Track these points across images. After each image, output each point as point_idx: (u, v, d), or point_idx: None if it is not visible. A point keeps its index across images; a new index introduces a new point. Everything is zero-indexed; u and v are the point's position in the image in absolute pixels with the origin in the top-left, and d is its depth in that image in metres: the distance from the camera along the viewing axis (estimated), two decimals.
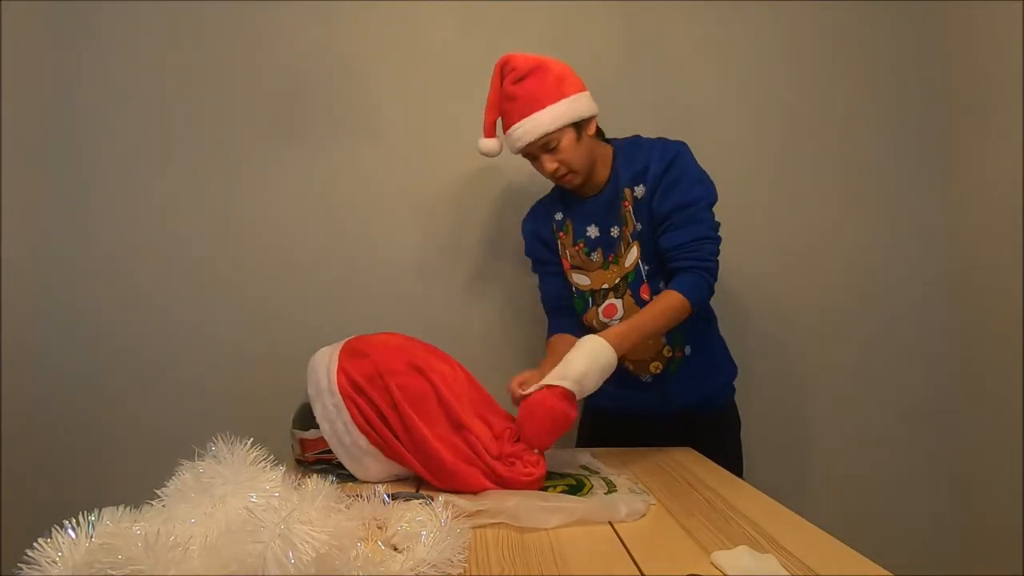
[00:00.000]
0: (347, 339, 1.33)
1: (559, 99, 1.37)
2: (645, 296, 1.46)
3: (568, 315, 1.58)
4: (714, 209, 1.45)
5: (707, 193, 1.44)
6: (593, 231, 1.50)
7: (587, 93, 1.43)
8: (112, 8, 1.83)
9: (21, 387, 1.82)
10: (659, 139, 1.49)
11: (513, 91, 1.39)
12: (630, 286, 1.47)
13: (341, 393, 1.22)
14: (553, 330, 1.61)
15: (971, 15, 1.84)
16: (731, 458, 1.52)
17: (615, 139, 1.53)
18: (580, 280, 1.53)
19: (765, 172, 1.94)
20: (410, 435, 1.20)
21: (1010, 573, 1.72)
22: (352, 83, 1.88)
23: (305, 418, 1.27)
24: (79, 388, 1.83)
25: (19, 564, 0.66)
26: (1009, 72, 1.71)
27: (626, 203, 1.45)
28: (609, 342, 1.27)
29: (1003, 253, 1.75)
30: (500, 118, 1.44)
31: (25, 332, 1.82)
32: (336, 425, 1.22)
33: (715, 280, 1.42)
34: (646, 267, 1.45)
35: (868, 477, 1.96)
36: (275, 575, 0.66)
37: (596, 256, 1.50)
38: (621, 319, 1.47)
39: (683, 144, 1.47)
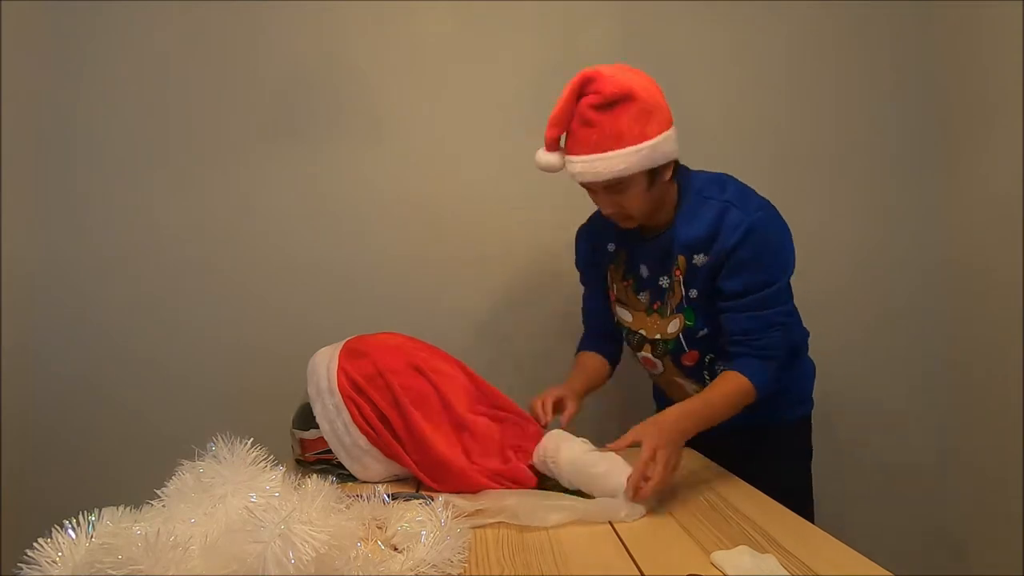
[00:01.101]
0: (347, 339, 1.33)
1: (641, 141, 1.18)
2: (687, 363, 1.37)
3: (603, 337, 1.52)
4: None
5: (782, 271, 1.28)
6: (645, 271, 1.37)
7: (672, 131, 1.24)
8: (112, 8, 1.83)
9: (21, 387, 1.82)
10: (729, 202, 1.26)
11: (591, 117, 1.18)
12: (670, 352, 1.38)
13: (341, 393, 1.23)
14: (584, 346, 1.54)
15: (971, 15, 1.84)
16: (784, 485, 1.24)
17: (684, 174, 1.34)
18: (623, 315, 1.44)
19: (765, 172, 1.93)
20: (411, 434, 1.20)
21: (1010, 573, 1.72)
22: (352, 83, 1.88)
23: (305, 418, 1.27)
24: (79, 388, 1.83)
25: (19, 564, 0.66)
26: (1009, 72, 1.71)
27: (678, 271, 1.31)
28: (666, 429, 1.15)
29: (1003, 252, 1.75)
30: (565, 134, 1.25)
31: (25, 332, 1.82)
32: (336, 425, 1.23)
33: (781, 371, 1.28)
34: (701, 331, 1.33)
35: (867, 475, 1.96)
36: (275, 575, 0.66)
37: (644, 297, 1.39)
38: (660, 375, 1.44)
39: (760, 209, 1.26)
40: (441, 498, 0.97)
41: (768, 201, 1.31)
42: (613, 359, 1.54)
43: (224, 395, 1.84)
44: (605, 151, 1.18)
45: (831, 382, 1.96)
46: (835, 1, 1.93)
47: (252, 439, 0.88)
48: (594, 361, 1.51)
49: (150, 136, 1.85)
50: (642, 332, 1.40)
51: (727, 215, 1.24)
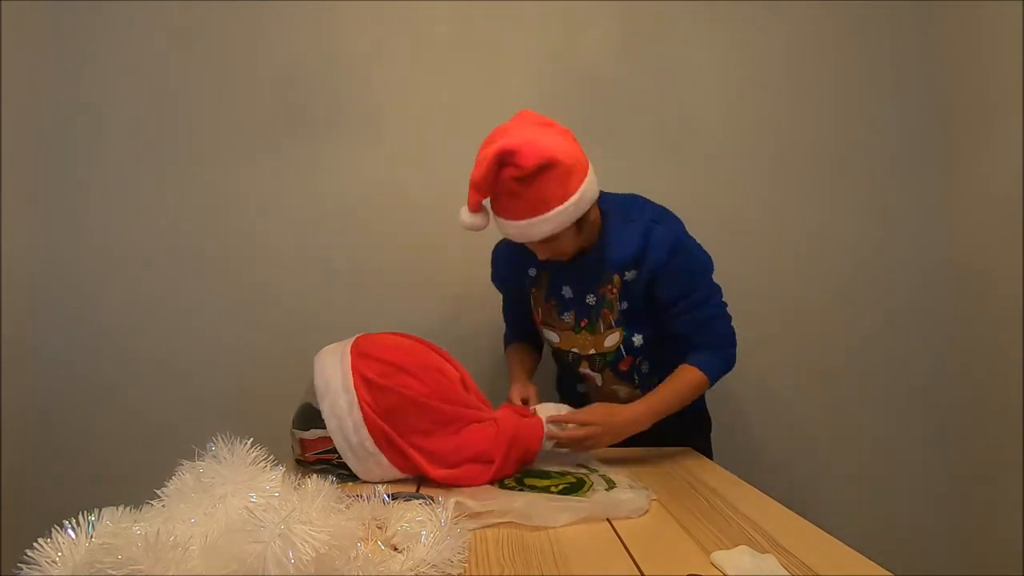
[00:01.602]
0: (354, 337, 1.33)
1: (565, 200, 1.24)
2: (623, 368, 1.46)
3: (525, 330, 1.62)
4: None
5: (707, 270, 1.41)
6: (568, 292, 1.44)
7: (591, 174, 1.29)
8: (112, 8, 1.83)
9: (21, 386, 1.82)
10: (653, 220, 1.36)
11: (515, 189, 1.23)
12: (609, 364, 1.46)
13: (356, 390, 1.22)
14: (513, 337, 1.65)
15: (971, 15, 1.84)
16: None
17: (604, 198, 1.38)
18: (550, 336, 1.50)
19: (765, 172, 1.94)
20: (418, 433, 1.21)
21: (1010, 573, 1.72)
22: (352, 83, 1.88)
23: (305, 418, 1.27)
24: (79, 387, 1.83)
25: (19, 564, 0.66)
26: (1009, 72, 1.71)
27: (612, 288, 1.39)
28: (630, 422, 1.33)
29: (1003, 252, 1.75)
30: (489, 199, 1.29)
31: (25, 331, 1.82)
32: (345, 423, 1.21)
33: (735, 349, 1.41)
34: (637, 340, 1.42)
35: (867, 476, 1.96)
36: (275, 575, 0.66)
37: (568, 317, 1.45)
38: (600, 387, 1.50)
39: (677, 222, 1.39)
40: (452, 501, 0.96)
41: (675, 214, 1.42)
42: (539, 345, 1.65)
43: (224, 395, 1.84)
44: (533, 217, 1.25)
45: (831, 382, 1.96)
46: (835, 1, 1.93)
47: (252, 439, 0.87)
48: (525, 348, 1.63)
49: (150, 136, 1.85)
50: (575, 350, 1.47)
51: (652, 233, 1.35)
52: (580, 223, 1.30)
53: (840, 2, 1.94)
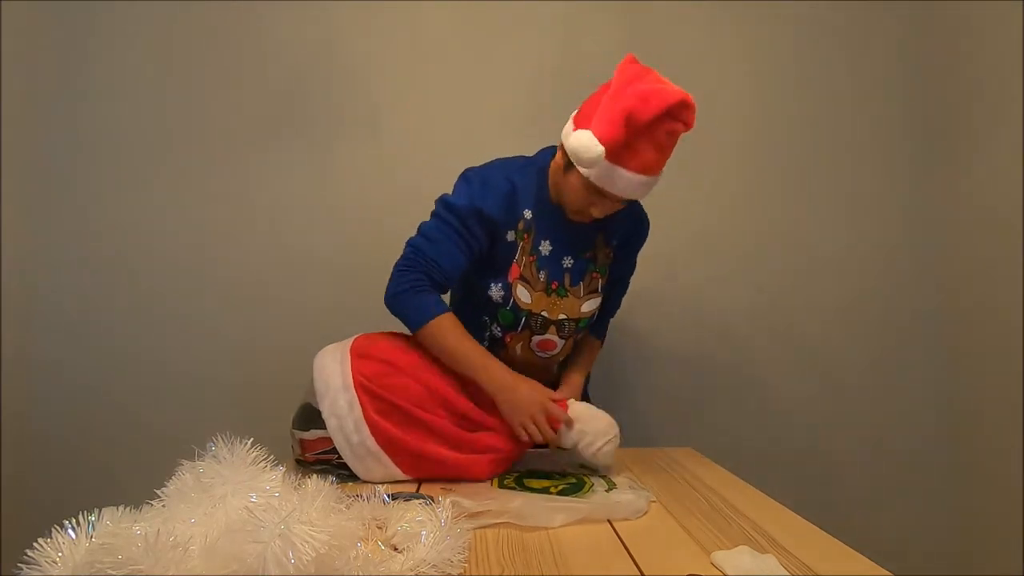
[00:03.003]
0: (354, 338, 1.33)
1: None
2: (577, 339, 1.45)
3: (443, 290, 1.34)
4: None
5: None
6: (545, 248, 1.33)
7: None
8: (112, 8, 1.83)
9: (21, 385, 1.82)
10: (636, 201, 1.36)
11: (665, 143, 1.16)
12: (577, 331, 1.41)
13: (356, 390, 1.22)
14: (439, 306, 1.29)
15: (971, 15, 1.84)
16: None
17: None
18: (523, 296, 1.34)
19: (764, 173, 1.94)
20: (425, 432, 1.21)
21: (1010, 573, 1.72)
22: (354, 82, 1.88)
23: (305, 418, 1.27)
24: (79, 387, 1.83)
25: (19, 564, 0.66)
26: (1009, 72, 1.71)
27: (608, 252, 1.40)
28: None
29: (1003, 253, 1.75)
30: (613, 140, 1.14)
31: (25, 331, 1.82)
32: (345, 423, 1.21)
33: None
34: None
35: (867, 475, 1.96)
36: (275, 575, 0.66)
37: (542, 276, 1.34)
38: (551, 357, 1.41)
39: None
40: (448, 500, 0.96)
41: None
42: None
43: (224, 395, 1.84)
44: (652, 175, 1.20)
45: (831, 383, 1.96)
46: (836, 1, 1.94)
47: (252, 439, 0.88)
48: (463, 329, 1.31)
49: (150, 135, 1.86)
50: (544, 314, 1.35)
51: (641, 208, 1.43)
52: None
53: (840, 2, 1.94)
